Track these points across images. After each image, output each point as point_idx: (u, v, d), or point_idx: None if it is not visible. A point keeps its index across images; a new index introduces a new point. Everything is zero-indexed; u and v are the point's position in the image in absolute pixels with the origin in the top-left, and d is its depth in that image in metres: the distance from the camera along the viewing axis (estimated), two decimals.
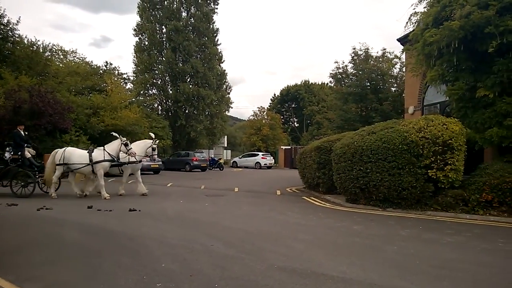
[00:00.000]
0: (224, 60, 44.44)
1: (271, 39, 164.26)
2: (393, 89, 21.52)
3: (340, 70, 22.30)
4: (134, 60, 42.10)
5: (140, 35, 41.86)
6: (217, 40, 43.47)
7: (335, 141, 12.55)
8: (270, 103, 62.63)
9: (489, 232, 7.46)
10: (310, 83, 59.91)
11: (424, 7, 11.43)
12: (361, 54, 21.46)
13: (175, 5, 41.56)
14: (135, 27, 41.79)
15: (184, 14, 42.30)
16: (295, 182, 17.89)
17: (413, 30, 11.93)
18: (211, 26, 42.69)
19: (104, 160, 12.52)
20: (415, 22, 11.93)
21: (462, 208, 9.23)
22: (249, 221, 8.68)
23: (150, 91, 42.43)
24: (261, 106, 51.28)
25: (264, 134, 45.51)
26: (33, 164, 13.21)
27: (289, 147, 41.85)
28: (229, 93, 45.85)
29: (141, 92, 40.58)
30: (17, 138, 12.99)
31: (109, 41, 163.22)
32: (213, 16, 42.84)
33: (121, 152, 12.80)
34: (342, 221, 8.62)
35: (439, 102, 13.24)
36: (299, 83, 60.94)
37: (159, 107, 43.47)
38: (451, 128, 9.50)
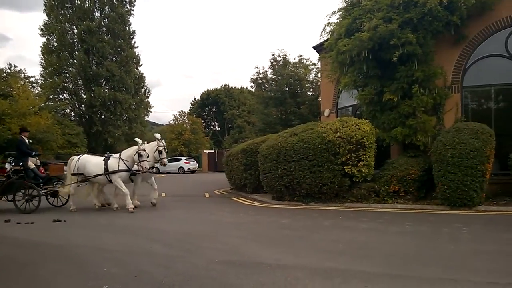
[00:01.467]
0: (142, 64, 43.59)
1: (187, 42, 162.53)
2: (309, 93, 22.95)
3: (261, 75, 23.32)
4: (41, 62, 39.33)
5: (48, 35, 39.24)
6: (134, 42, 42.40)
7: (260, 143, 13.18)
8: (190, 107, 62.28)
9: (398, 217, 8.54)
10: (230, 87, 60.76)
11: (337, 18, 12.56)
12: (280, 60, 22.65)
13: (86, 5, 39.66)
14: (42, 27, 39.10)
15: (97, 14, 40.57)
16: (222, 185, 18.27)
17: (327, 39, 13.03)
18: (127, 28, 41.49)
19: (120, 170, 11.12)
20: (329, 32, 13.04)
21: (374, 199, 10.36)
22: (183, 223, 8.87)
23: (61, 96, 39.92)
24: (182, 110, 50.94)
25: (186, 138, 45.19)
26: (37, 175, 11.65)
27: (212, 151, 42.08)
28: (148, 97, 44.91)
29: (51, 96, 37.98)
30: (22, 146, 11.42)
31: (6, 40, 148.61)
32: (129, 18, 41.70)
33: (129, 160, 11.23)
34: (271, 217, 9.20)
35: (351, 105, 14.52)
36: (219, 87, 61.52)
37: (72, 112, 41.11)
38: (363, 128, 10.60)
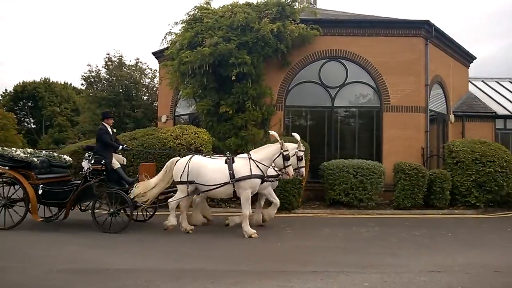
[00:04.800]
0: None
1: None
2: (145, 97, 22.74)
3: (93, 74, 21.93)
4: None
5: None
6: None
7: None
8: None
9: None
10: (51, 81, 54.51)
11: (180, 30, 13.01)
12: (115, 61, 21.78)
13: None
14: None
15: None
16: None
17: (167, 48, 13.37)
18: None
19: (253, 176, 7.66)
20: (170, 41, 13.41)
21: (209, 204, 10.99)
22: (5, 231, 7.80)
23: None
24: None
25: None
26: (123, 178, 8.30)
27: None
28: None
29: None
30: (105, 136, 8.27)
31: None
32: None
33: (270, 165, 7.92)
34: None
35: (189, 114, 15.12)
36: (37, 79, 54.47)
37: None
38: (202, 137, 11.26)
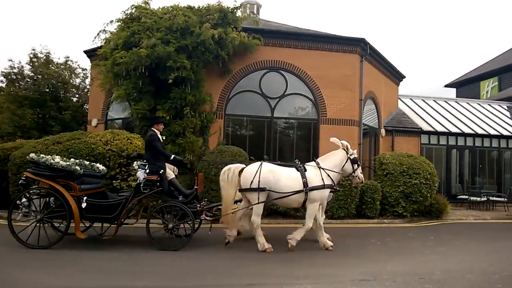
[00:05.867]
0: None
1: None
2: (74, 99, 21.31)
3: (15, 70, 20.09)
4: None
5: None
6: None
7: (11, 149, 11.49)
8: None
9: None
10: None
11: (115, 28, 12.37)
12: (42, 58, 20.19)
13: None
14: None
15: None
16: None
17: (101, 46, 12.65)
18: None
19: (325, 186, 7.38)
20: (104, 39, 12.71)
21: (142, 214, 10.43)
22: None
23: None
24: None
25: None
26: (178, 189, 7.71)
27: None
28: None
29: None
30: (157, 144, 7.49)
31: None
32: None
33: (341, 172, 7.73)
34: None
35: (122, 118, 14.37)
36: None
37: None
38: (135, 143, 10.69)
